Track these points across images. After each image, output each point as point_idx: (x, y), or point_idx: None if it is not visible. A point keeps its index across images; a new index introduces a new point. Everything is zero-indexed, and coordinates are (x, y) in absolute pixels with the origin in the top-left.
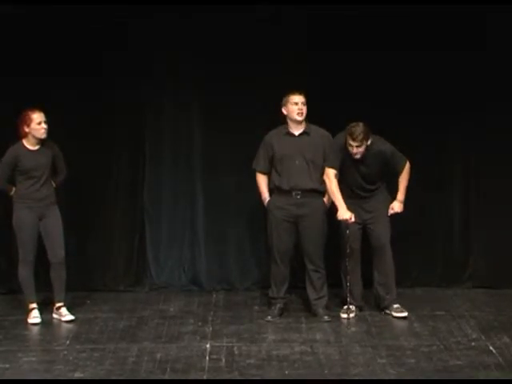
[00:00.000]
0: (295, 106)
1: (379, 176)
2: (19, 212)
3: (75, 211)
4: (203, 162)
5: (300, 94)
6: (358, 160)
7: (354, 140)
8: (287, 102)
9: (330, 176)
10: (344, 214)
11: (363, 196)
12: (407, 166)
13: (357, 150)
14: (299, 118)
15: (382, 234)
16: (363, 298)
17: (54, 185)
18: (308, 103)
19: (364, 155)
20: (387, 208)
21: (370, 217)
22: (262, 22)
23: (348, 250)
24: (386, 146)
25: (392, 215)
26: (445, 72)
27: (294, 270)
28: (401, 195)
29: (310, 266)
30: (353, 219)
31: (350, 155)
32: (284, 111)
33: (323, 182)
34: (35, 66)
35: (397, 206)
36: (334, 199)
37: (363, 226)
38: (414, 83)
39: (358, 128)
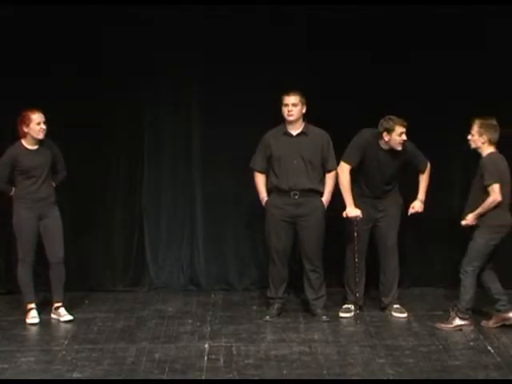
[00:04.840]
0: (285, 107)
1: (396, 176)
2: (19, 212)
3: (74, 211)
4: (202, 162)
5: (290, 94)
6: (381, 157)
7: (404, 126)
8: (281, 102)
9: (345, 170)
10: (352, 211)
11: (378, 196)
12: (428, 165)
13: (405, 137)
14: (289, 119)
15: (391, 235)
16: (363, 297)
17: (53, 184)
18: (308, 103)
19: (389, 152)
20: (398, 209)
21: (380, 216)
22: (262, 22)
23: (356, 248)
24: (408, 144)
25: (412, 214)
26: (445, 72)
27: (293, 270)
28: (422, 194)
29: (308, 266)
30: (360, 216)
31: (374, 153)
32: (282, 111)
33: (321, 182)
34: (35, 65)
35: (418, 206)
36: (344, 194)
37: (372, 226)
38: (414, 83)
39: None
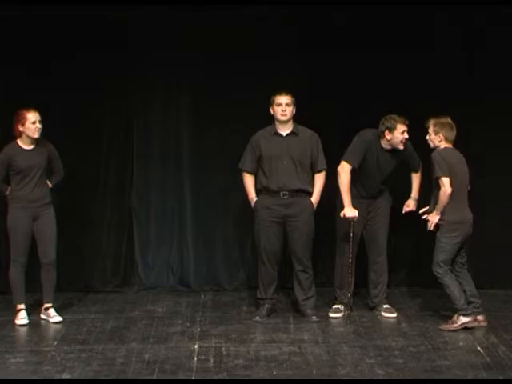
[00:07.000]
0: (279, 107)
1: (392, 175)
2: (13, 212)
3: (63, 211)
4: (192, 162)
5: (284, 94)
6: (382, 157)
7: (406, 125)
8: (273, 102)
9: (346, 170)
10: (350, 211)
11: (373, 196)
12: (421, 164)
13: (407, 136)
14: (282, 119)
15: (382, 233)
16: (352, 297)
17: (49, 185)
18: (307, 103)
19: (390, 152)
20: (388, 208)
21: (372, 215)
22: (261, 21)
23: (351, 249)
24: (407, 143)
25: (406, 212)
26: (443, 72)
27: (282, 271)
28: (415, 193)
29: (297, 267)
30: (357, 217)
31: (375, 152)
32: (271, 111)
33: (310, 182)
34: (28, 65)
35: (412, 204)
36: (343, 194)
37: (363, 226)
38: (413, 83)
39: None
